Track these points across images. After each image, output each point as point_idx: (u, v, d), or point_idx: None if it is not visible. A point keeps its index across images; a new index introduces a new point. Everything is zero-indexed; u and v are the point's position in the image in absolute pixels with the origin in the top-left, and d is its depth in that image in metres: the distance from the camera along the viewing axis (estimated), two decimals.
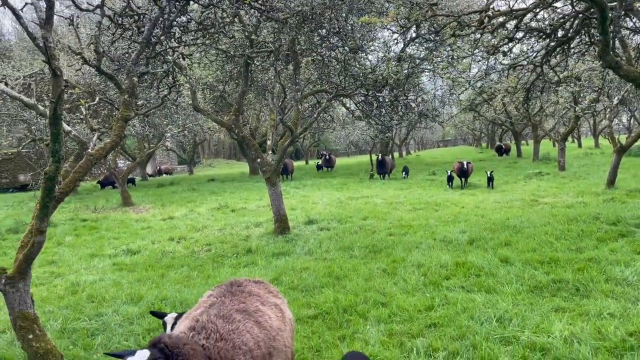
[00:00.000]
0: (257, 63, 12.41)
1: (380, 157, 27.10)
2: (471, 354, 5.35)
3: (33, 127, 16.38)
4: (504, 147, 41.97)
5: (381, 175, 27.47)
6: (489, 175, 20.02)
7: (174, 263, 10.52)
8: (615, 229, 10.02)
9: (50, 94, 5.50)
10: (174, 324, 3.93)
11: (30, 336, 5.51)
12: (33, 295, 5.90)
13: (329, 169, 36.42)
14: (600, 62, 9.41)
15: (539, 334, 5.57)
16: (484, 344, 5.46)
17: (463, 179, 21.34)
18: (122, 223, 16.26)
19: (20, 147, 18.81)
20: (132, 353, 3.38)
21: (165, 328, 4.41)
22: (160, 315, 4.70)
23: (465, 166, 20.75)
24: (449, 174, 21.34)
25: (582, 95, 19.02)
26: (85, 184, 32.72)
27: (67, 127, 6.98)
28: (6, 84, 7.10)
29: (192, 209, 18.59)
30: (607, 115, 20.82)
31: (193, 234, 13.82)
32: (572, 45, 11.42)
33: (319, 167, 37.47)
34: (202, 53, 12.18)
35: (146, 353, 3.36)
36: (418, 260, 9.14)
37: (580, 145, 47.38)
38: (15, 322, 5.54)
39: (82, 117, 12.10)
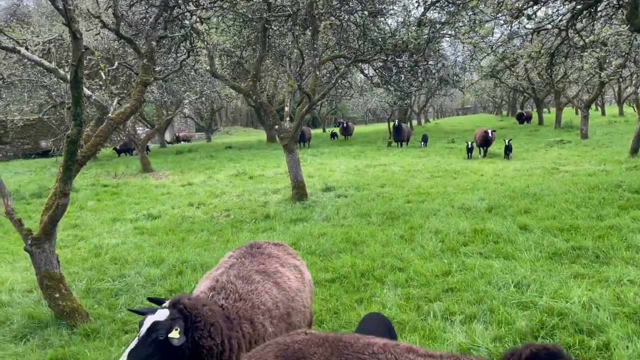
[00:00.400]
0: (275, 28, 12.24)
1: (396, 123, 26.73)
2: (488, 317, 5.39)
3: (53, 93, 16.52)
4: (525, 114, 41.23)
5: (398, 143, 27.20)
6: (506, 143, 19.06)
7: (193, 228, 10.68)
8: (638, 197, 9.87)
9: (69, 60, 5.51)
10: None
11: (57, 295, 5.69)
12: (58, 256, 6.06)
13: (347, 136, 36.16)
14: (628, 26, 9.09)
15: (557, 299, 5.57)
16: (502, 308, 5.49)
17: (484, 148, 20.60)
18: (142, 189, 16.49)
19: (42, 113, 19.02)
20: (153, 311, 3.47)
21: None
22: (158, 302, 4.53)
23: (489, 135, 19.90)
24: (469, 145, 20.30)
25: (607, 60, 18.45)
26: (105, 151, 33.13)
27: (87, 92, 7.02)
28: (27, 48, 7.14)
29: (210, 175, 18.75)
30: (633, 82, 20.24)
31: (212, 199, 13.97)
32: (599, 9, 11.03)
33: (333, 135, 37.06)
34: (220, 17, 12.04)
35: (166, 312, 3.45)
36: (436, 226, 9.16)
37: (603, 113, 46.30)
38: (42, 281, 5.72)
39: (101, 83, 12.15)
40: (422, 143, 26.58)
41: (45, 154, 32.73)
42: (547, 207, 9.83)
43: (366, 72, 17.85)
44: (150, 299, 4.50)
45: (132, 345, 3.30)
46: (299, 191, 12.88)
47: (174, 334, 3.30)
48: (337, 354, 2.62)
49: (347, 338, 2.76)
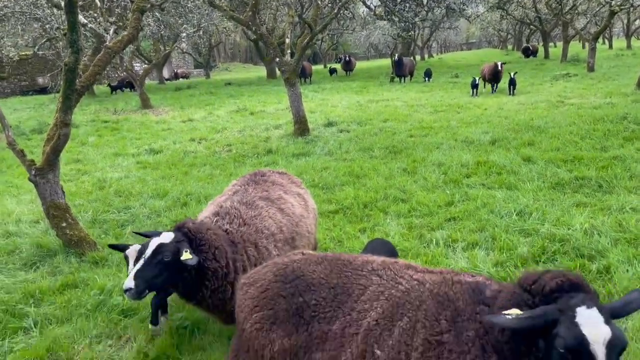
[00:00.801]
0: None
1: (397, 57, 26.07)
2: (490, 244, 5.47)
3: (47, 26, 16.03)
4: (531, 48, 40.19)
5: (400, 78, 26.65)
6: (511, 76, 17.77)
7: (196, 162, 10.69)
8: None
9: None
10: (137, 257, 3.86)
11: (64, 224, 5.75)
12: (63, 187, 6.08)
13: (348, 72, 35.43)
14: None
15: (558, 226, 5.63)
16: (503, 235, 5.55)
17: (494, 84, 19.37)
18: (142, 124, 16.38)
19: (36, 47, 18.55)
20: (158, 234, 3.51)
21: (127, 262, 4.07)
22: (122, 248, 4.30)
23: (499, 67, 18.60)
24: (475, 80, 18.83)
25: None
26: (102, 87, 32.67)
27: (83, 20, 6.80)
28: None
29: (210, 111, 18.57)
30: None
31: (213, 135, 13.90)
32: None
33: (332, 71, 36.23)
34: None
35: (170, 235, 3.49)
36: (439, 159, 9.15)
37: (611, 47, 45.11)
38: (48, 211, 5.77)
39: (96, 15, 11.77)
40: (426, 78, 26.03)
41: (43, 90, 32.29)
42: (551, 139, 9.77)
43: (369, 3, 17.27)
44: (111, 246, 4.51)
45: (139, 266, 3.35)
46: (301, 126, 12.78)
47: (186, 256, 3.35)
48: (337, 272, 2.64)
49: (345, 257, 2.78)
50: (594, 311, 1.85)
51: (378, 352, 2.31)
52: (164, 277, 3.40)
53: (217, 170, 9.91)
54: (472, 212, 6.45)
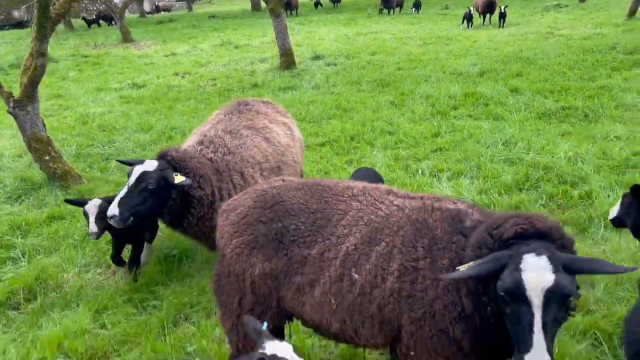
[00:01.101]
0: None
1: None
2: (475, 173, 5.52)
3: None
4: None
5: (388, 10, 25.91)
6: (501, 10, 17.20)
7: (180, 96, 10.50)
8: (632, 58, 9.73)
9: None
10: (99, 212, 3.65)
11: (47, 157, 5.68)
12: (44, 120, 5.95)
13: (336, 4, 34.30)
14: None
15: (543, 155, 5.69)
16: (488, 164, 5.60)
17: (488, 15, 18.71)
18: (124, 59, 15.92)
19: None
20: (141, 162, 3.48)
21: (87, 218, 3.73)
22: (81, 202, 3.87)
23: None
24: (469, 11, 17.91)
25: None
26: (80, 21, 31.45)
27: None
28: None
29: (194, 45, 18.08)
30: None
31: (197, 69, 13.60)
32: None
33: (316, 4, 35.05)
34: None
35: (154, 163, 3.46)
36: (426, 92, 9.08)
37: None
38: (30, 144, 5.67)
39: None
40: (414, 9, 25.35)
41: (19, 24, 31.03)
42: (539, 70, 9.70)
43: None
44: (67, 200, 4.28)
45: (122, 193, 3.33)
46: (287, 59, 12.50)
47: (179, 179, 3.36)
48: (317, 197, 2.63)
49: (325, 182, 2.76)
50: (542, 259, 1.81)
51: (355, 275, 2.34)
52: (148, 204, 3.40)
53: (202, 104, 9.76)
54: (458, 142, 6.48)
